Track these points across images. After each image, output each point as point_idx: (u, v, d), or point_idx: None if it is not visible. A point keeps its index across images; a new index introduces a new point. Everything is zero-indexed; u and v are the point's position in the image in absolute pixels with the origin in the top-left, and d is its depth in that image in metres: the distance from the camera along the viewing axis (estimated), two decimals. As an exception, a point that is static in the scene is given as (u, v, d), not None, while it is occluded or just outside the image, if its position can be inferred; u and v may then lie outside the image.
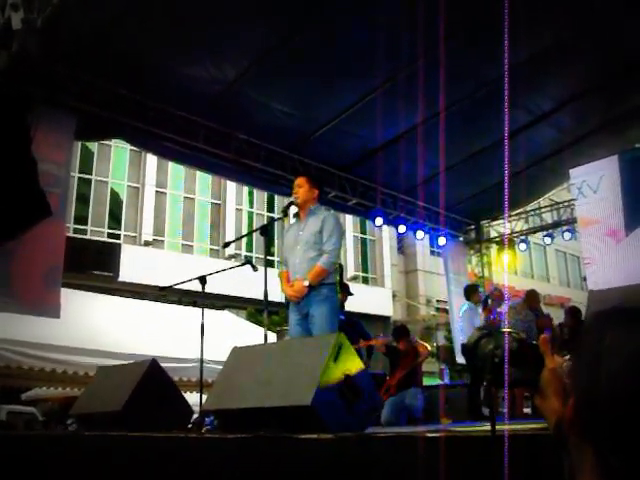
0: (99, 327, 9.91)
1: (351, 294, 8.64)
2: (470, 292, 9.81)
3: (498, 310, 9.76)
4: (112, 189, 21.67)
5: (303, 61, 7.83)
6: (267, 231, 5.32)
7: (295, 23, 7.23)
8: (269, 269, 5.33)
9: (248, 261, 6.27)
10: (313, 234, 5.28)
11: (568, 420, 0.90)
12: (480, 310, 9.94)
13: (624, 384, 0.82)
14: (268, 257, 5.53)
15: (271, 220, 21.71)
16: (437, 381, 12.56)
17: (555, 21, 7.50)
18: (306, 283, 5.12)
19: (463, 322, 9.46)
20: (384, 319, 25.15)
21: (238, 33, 7.26)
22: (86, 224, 20.43)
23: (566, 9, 7.29)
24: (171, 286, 7.17)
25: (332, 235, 5.28)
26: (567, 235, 12.82)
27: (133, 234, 21.47)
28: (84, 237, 19.80)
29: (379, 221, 11.43)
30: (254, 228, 23.51)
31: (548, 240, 13.60)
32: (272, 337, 8.71)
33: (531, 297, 9.41)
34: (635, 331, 0.85)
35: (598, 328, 0.89)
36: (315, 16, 7.14)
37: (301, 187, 5.42)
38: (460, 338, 9.44)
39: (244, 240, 22.67)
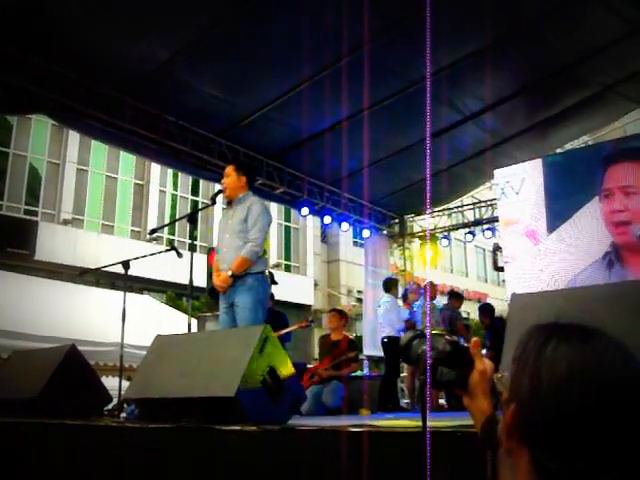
0: (12, 307, 9.56)
1: (275, 283, 8.64)
2: (390, 285, 9.96)
3: (417, 304, 9.97)
4: (31, 164, 20.91)
5: (235, 46, 7.71)
6: (195, 219, 5.27)
7: (229, 7, 7.13)
8: (193, 254, 5.31)
9: (173, 247, 6.18)
10: (239, 222, 5.27)
11: (507, 425, 0.93)
12: (400, 303, 10.12)
13: (563, 395, 0.87)
14: (193, 242, 5.47)
15: (198, 207, 21.50)
16: (357, 372, 12.69)
17: (480, 26, 7.66)
18: (229, 273, 5.13)
19: (384, 315, 9.57)
20: (305, 307, 25.28)
21: (170, 12, 7.08)
22: (1, 199, 19.67)
23: (491, 14, 7.45)
24: (98, 268, 7.01)
25: (256, 223, 5.26)
26: (488, 233, 13.15)
27: (52, 212, 20.80)
28: (-1, 212, 19.08)
29: (305, 211, 11.46)
30: (177, 211, 23.34)
31: (469, 237, 13.90)
32: (193, 322, 8.65)
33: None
34: (574, 345, 0.91)
35: (538, 341, 0.94)
36: (248, 3, 7.06)
37: (228, 177, 5.40)
38: (383, 331, 9.54)
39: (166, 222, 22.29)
